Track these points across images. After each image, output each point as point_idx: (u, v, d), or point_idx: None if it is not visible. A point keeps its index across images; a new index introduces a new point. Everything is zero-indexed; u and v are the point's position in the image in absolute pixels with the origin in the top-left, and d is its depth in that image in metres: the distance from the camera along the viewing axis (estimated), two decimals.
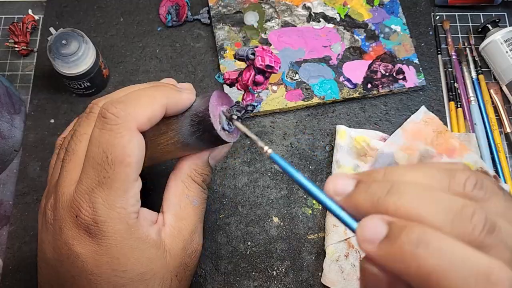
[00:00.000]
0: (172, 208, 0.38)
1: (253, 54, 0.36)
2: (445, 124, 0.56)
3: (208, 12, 0.60)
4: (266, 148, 0.31)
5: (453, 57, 0.60)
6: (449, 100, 0.57)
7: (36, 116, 0.56)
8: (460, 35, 0.62)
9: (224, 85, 0.44)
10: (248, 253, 0.51)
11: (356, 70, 0.57)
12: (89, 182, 0.33)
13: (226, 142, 0.36)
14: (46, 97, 0.57)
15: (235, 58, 0.37)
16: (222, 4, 0.60)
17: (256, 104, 0.39)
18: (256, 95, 0.38)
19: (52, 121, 0.56)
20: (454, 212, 0.23)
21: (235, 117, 0.35)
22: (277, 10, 0.60)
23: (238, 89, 0.38)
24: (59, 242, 0.34)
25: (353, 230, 0.25)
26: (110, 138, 0.33)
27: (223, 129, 0.35)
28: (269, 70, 0.36)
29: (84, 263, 0.34)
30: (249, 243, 0.51)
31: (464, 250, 0.22)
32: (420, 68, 0.57)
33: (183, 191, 0.38)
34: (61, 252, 0.34)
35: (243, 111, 0.36)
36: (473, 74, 0.59)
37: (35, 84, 0.58)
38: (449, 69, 0.59)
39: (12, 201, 0.53)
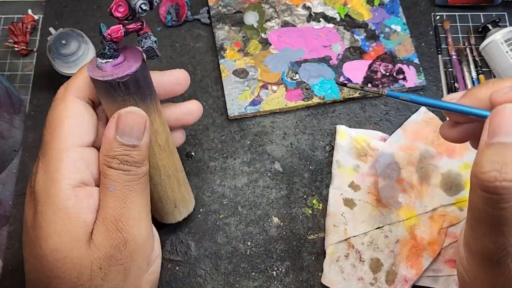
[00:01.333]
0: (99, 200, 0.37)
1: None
2: None
3: (208, 12, 0.60)
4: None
5: (454, 57, 0.60)
6: None
7: (35, 116, 0.56)
8: (460, 35, 0.62)
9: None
10: (248, 253, 0.51)
11: (356, 70, 0.57)
12: (39, 152, 0.36)
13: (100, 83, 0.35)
14: (46, 97, 0.57)
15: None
16: (222, 4, 0.60)
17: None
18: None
19: None
20: None
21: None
22: (277, 10, 0.60)
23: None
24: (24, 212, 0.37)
25: (483, 116, 0.32)
26: (51, 112, 0.36)
27: (97, 66, 0.35)
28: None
29: (25, 229, 0.36)
30: (249, 243, 0.51)
31: None
32: (421, 68, 0.57)
33: (102, 181, 0.36)
34: (24, 223, 0.36)
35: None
36: (473, 74, 0.59)
37: (35, 84, 0.58)
38: (449, 69, 0.59)
39: (11, 201, 0.53)
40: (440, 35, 0.61)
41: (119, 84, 0.35)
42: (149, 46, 0.36)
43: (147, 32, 0.36)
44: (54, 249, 0.33)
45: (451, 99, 0.35)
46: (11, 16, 0.61)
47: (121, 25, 0.35)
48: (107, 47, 0.35)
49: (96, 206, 0.35)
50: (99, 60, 0.35)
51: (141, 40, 0.36)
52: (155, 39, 0.37)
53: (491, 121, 0.30)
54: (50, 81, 0.58)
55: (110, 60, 0.35)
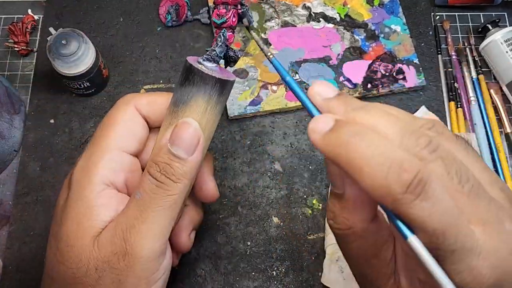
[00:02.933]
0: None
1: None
2: (445, 124, 0.56)
3: (208, 12, 0.60)
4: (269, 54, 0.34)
5: (453, 57, 0.60)
6: (449, 100, 0.57)
7: (36, 116, 0.56)
8: (460, 35, 0.62)
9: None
10: (248, 253, 0.51)
11: (356, 70, 0.57)
12: (88, 145, 0.37)
13: (211, 78, 0.34)
14: (46, 97, 0.57)
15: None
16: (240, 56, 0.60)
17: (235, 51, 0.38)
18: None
19: (52, 121, 0.56)
20: (407, 132, 0.25)
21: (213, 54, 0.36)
22: (277, 10, 0.60)
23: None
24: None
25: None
26: (110, 111, 0.37)
27: (199, 63, 0.35)
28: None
29: (55, 211, 0.37)
30: (248, 243, 0.51)
31: (393, 148, 0.24)
32: (420, 68, 0.57)
33: (136, 187, 0.35)
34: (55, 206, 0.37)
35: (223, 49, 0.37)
36: (473, 74, 0.59)
37: (35, 84, 0.58)
38: (449, 69, 0.59)
39: (12, 201, 0.53)
40: (440, 35, 0.61)
41: (216, 84, 0.34)
42: (238, 51, 0.39)
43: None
44: (66, 235, 0.34)
45: (318, 92, 0.29)
46: (11, 16, 0.62)
47: (232, 33, 0.38)
48: (226, 51, 0.37)
49: (118, 210, 0.35)
50: (208, 63, 0.35)
51: (232, 48, 0.38)
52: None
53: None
54: (50, 81, 0.58)
55: (215, 65, 0.36)
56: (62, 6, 0.62)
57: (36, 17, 0.61)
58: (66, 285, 0.34)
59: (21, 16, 0.61)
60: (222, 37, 0.37)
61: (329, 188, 0.52)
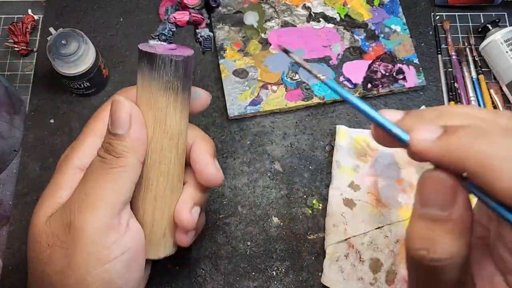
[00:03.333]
0: None
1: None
2: None
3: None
4: (320, 75, 0.31)
5: (453, 57, 0.60)
6: (449, 100, 0.57)
7: (35, 116, 0.56)
8: (460, 35, 0.62)
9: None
10: (248, 253, 0.51)
11: (356, 70, 0.57)
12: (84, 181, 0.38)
13: (140, 52, 0.36)
14: (46, 97, 0.57)
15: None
16: (222, 3, 0.60)
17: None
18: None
19: (52, 121, 0.56)
20: (508, 129, 0.24)
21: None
22: (277, 10, 0.60)
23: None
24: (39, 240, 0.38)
25: (404, 142, 0.26)
26: (105, 104, 0.40)
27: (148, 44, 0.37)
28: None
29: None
30: (249, 243, 0.51)
31: None
32: (420, 68, 0.57)
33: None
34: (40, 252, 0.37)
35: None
36: (473, 74, 0.59)
37: (35, 84, 0.58)
38: (449, 69, 0.59)
39: (12, 201, 0.53)
40: (440, 35, 0.61)
41: (171, 62, 0.35)
42: (208, 35, 0.38)
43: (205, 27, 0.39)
44: (37, 212, 0.36)
45: (389, 116, 0.28)
46: (11, 16, 0.62)
47: (187, 12, 0.37)
48: (167, 28, 0.37)
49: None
50: (153, 41, 0.37)
51: (199, 33, 0.39)
52: (211, 34, 0.39)
53: (420, 187, 0.26)
54: (50, 81, 0.58)
55: (164, 43, 0.37)
56: (62, 6, 0.62)
57: (36, 17, 0.62)
58: (29, 265, 0.36)
59: (21, 16, 0.61)
60: (166, 15, 0.37)
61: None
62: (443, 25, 0.62)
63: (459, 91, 0.58)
